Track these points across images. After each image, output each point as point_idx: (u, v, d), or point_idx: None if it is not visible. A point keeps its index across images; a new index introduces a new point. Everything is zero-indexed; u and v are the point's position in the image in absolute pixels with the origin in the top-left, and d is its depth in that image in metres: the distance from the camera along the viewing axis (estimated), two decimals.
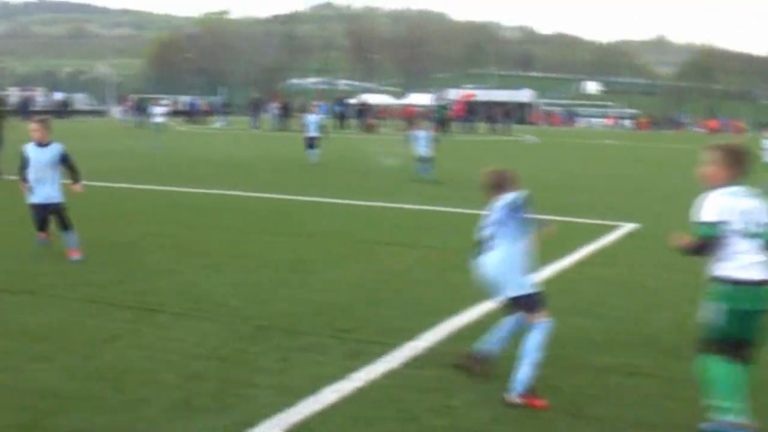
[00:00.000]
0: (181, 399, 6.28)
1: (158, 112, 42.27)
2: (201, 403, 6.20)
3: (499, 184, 6.66)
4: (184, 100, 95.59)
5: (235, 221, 15.68)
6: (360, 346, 7.64)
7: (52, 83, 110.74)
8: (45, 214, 11.59)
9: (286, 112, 65.23)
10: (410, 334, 8.00)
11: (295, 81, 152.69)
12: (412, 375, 6.93)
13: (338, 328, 8.22)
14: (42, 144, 11.51)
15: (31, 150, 11.55)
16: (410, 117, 76.28)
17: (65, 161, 11.61)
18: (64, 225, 11.59)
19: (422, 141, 25.11)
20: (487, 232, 6.56)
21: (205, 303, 9.23)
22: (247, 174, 25.79)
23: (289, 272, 11.03)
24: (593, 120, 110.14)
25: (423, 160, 24.88)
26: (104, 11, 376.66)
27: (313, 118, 32.50)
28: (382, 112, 79.77)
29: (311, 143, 31.46)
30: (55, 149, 11.55)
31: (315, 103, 40.53)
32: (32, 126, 11.71)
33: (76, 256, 11.50)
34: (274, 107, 68.87)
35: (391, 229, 15.09)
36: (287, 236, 14.12)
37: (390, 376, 6.88)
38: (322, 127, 32.56)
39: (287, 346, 7.63)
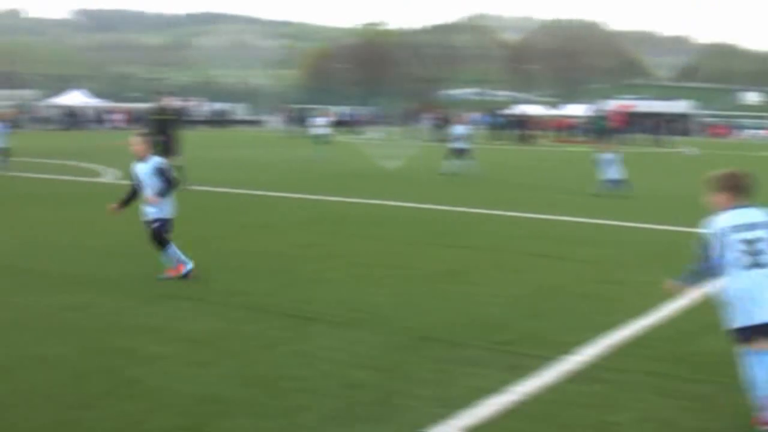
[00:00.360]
0: (340, 407, 6.32)
1: (320, 122, 42.17)
2: (360, 413, 6.23)
3: (746, 187, 6.14)
4: (338, 110, 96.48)
5: (390, 231, 15.76)
6: (517, 359, 7.56)
7: (211, 93, 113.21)
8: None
9: (444, 122, 65.00)
10: (568, 347, 7.88)
11: (450, 91, 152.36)
12: (570, 390, 6.81)
13: (496, 341, 8.17)
14: (142, 159, 11.07)
15: (136, 167, 11.18)
16: (568, 128, 75.80)
17: (161, 174, 10.93)
18: (157, 242, 11.04)
19: (610, 163, 23.75)
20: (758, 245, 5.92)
21: (362, 312, 9.30)
22: (402, 184, 25.95)
23: (447, 283, 11.03)
24: (754, 131, 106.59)
25: (615, 182, 23.49)
26: (262, 23, 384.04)
27: (460, 129, 31.82)
28: (536, 123, 79.09)
29: (458, 154, 30.88)
30: (152, 163, 10.99)
31: (463, 113, 40.21)
32: (133, 141, 11.20)
33: (168, 273, 11.03)
34: (428, 118, 68.89)
35: (551, 241, 14.85)
36: (444, 247, 14.08)
37: (547, 390, 6.78)
38: (469, 138, 31.89)
39: (445, 357, 7.62)
